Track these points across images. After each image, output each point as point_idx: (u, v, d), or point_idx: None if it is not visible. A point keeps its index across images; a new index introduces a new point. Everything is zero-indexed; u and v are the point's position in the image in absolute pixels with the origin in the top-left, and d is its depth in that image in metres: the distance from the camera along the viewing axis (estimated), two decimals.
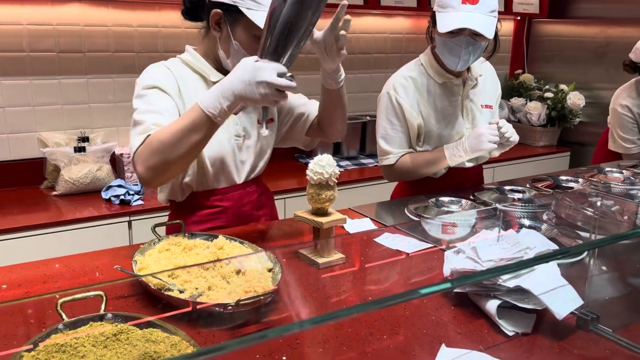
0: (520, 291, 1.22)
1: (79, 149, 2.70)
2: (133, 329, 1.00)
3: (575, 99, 3.90)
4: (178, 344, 0.98)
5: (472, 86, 2.11)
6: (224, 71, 1.65)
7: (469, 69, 2.10)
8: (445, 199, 2.00)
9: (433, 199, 2.00)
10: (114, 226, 2.49)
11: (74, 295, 1.01)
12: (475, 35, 1.88)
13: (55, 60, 2.77)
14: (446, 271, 1.33)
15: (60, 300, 0.99)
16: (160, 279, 1.21)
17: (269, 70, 1.32)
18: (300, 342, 1.15)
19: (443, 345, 1.14)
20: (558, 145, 4.12)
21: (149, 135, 1.45)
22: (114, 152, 2.85)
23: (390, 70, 2.14)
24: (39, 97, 2.76)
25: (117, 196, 2.57)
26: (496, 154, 2.08)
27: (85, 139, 2.82)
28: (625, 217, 1.37)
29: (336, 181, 1.49)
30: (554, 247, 1.28)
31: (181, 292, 1.20)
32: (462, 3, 1.85)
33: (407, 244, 1.63)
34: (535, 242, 1.31)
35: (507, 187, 2.15)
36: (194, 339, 1.02)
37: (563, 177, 2.28)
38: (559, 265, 1.30)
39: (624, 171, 2.34)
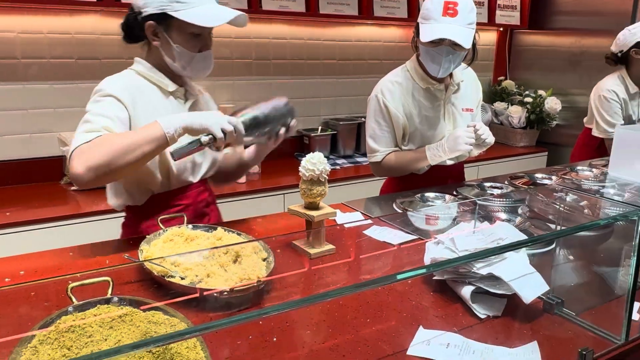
0: (492, 278, 1.23)
1: None
2: (137, 311, 1.00)
3: (553, 103, 3.92)
4: (177, 326, 0.99)
5: (453, 91, 2.12)
6: (177, 79, 1.63)
7: (451, 75, 2.10)
8: (430, 194, 2.01)
9: (419, 195, 2.00)
10: None
11: (83, 280, 1.01)
12: (454, 45, 1.89)
13: (73, 66, 2.78)
14: (427, 260, 1.34)
15: (71, 285, 0.99)
16: (163, 267, 1.22)
17: (235, 119, 1.42)
18: (290, 325, 1.16)
19: (421, 327, 1.15)
20: (536, 146, 4.12)
21: (98, 136, 1.38)
22: None
23: (384, 75, 2.15)
24: (59, 100, 2.77)
25: None
26: (475, 153, 2.09)
27: None
28: (586, 211, 1.38)
29: (327, 177, 1.49)
30: (524, 237, 1.28)
31: (182, 278, 1.21)
32: (442, 15, 1.86)
33: (394, 236, 1.63)
34: (507, 233, 1.31)
35: (488, 184, 2.16)
36: (192, 321, 1.03)
37: (539, 175, 2.28)
38: (528, 254, 1.31)
39: (593, 170, 2.35)
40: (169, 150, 1.43)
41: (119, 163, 1.35)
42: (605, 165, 2.30)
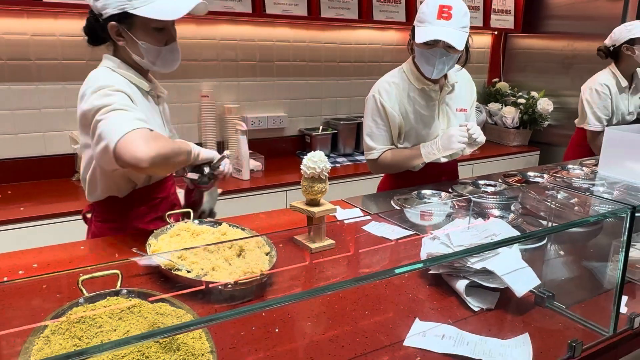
0: (486, 272, 1.23)
1: None
2: (145, 303, 1.00)
3: (545, 104, 3.91)
4: (183, 317, 0.99)
5: (448, 92, 2.12)
6: (146, 75, 1.60)
7: (445, 77, 2.10)
8: (427, 191, 2.01)
9: (416, 192, 2.00)
10: None
11: (94, 273, 1.02)
12: (448, 47, 1.89)
13: (84, 67, 2.77)
14: (423, 255, 1.34)
15: (81, 278, 0.99)
16: (170, 260, 1.22)
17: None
18: (292, 316, 1.16)
19: (417, 319, 1.15)
20: (529, 145, 4.11)
21: (151, 129, 1.37)
22: None
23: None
24: (70, 100, 2.76)
25: None
26: (468, 152, 2.09)
27: None
28: (577, 208, 1.37)
29: (327, 175, 1.49)
30: (517, 233, 1.28)
31: (188, 271, 1.21)
32: (437, 19, 1.86)
33: (392, 231, 1.63)
34: (501, 229, 1.31)
35: (482, 182, 2.15)
36: (198, 312, 1.03)
37: (531, 173, 2.28)
38: (521, 250, 1.31)
39: (584, 168, 2.34)
40: (190, 175, 1.60)
41: (174, 160, 1.43)
42: (595, 164, 2.30)
